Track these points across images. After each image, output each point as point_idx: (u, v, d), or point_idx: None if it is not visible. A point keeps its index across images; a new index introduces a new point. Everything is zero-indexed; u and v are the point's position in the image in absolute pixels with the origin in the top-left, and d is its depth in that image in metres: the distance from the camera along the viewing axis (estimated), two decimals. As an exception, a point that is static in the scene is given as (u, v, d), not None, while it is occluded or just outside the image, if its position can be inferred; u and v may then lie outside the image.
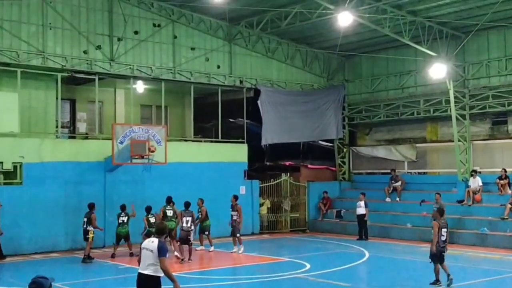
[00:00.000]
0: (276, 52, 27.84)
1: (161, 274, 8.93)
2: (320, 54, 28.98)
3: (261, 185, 27.06)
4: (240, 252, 20.27)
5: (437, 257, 14.15)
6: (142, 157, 21.39)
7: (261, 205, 27.00)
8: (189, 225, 18.66)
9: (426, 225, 23.32)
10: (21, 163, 20.74)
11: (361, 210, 24.19)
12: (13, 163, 20.57)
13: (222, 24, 26.16)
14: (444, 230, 14.26)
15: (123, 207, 19.81)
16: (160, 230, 9.48)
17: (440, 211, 14.92)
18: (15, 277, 15.91)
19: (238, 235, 20.51)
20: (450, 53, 23.93)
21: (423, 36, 23.23)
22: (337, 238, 24.53)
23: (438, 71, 23.13)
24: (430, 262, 14.24)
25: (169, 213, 19.66)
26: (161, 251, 8.91)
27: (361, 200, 24.32)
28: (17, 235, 20.25)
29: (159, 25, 24.56)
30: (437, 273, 14.10)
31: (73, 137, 24.27)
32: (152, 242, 9.09)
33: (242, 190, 25.82)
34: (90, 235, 18.46)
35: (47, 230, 20.87)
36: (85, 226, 18.68)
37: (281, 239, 25.27)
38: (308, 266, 17.54)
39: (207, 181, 24.55)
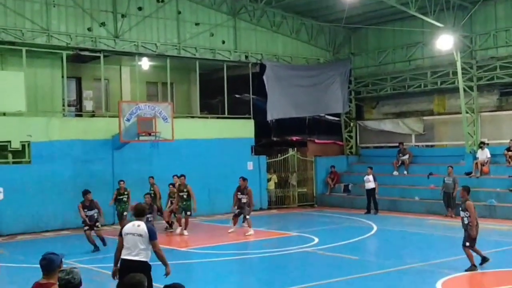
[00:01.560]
0: (281, 26, 27.63)
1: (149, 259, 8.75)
2: (326, 27, 28.74)
3: (268, 161, 27.08)
4: (248, 234, 19.07)
5: (475, 240, 12.92)
6: (149, 134, 21.43)
7: (269, 180, 27.05)
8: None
9: (433, 198, 23.42)
10: (29, 142, 20.81)
11: (370, 184, 24.07)
12: (21, 142, 20.63)
13: (226, -2, 25.96)
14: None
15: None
16: (140, 212, 9.16)
17: (468, 189, 13.45)
18: (26, 254, 16.06)
19: (248, 217, 19.28)
20: (457, 24, 23.67)
21: (430, 7, 22.93)
22: (345, 212, 24.60)
23: (445, 42, 22.94)
24: (468, 247, 12.87)
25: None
26: (153, 234, 8.74)
27: (369, 174, 24.23)
28: (27, 213, 20.40)
29: (162, 1, 24.34)
30: (471, 257, 12.90)
31: (80, 115, 24.30)
32: (138, 226, 8.78)
33: (250, 165, 25.86)
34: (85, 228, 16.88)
35: (57, 208, 20.99)
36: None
37: (289, 214, 25.36)
38: (316, 240, 17.61)
39: (214, 157, 24.57)
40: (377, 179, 24.36)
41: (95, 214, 16.66)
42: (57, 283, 6.08)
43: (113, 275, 9.05)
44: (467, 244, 12.95)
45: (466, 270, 12.94)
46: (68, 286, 5.70)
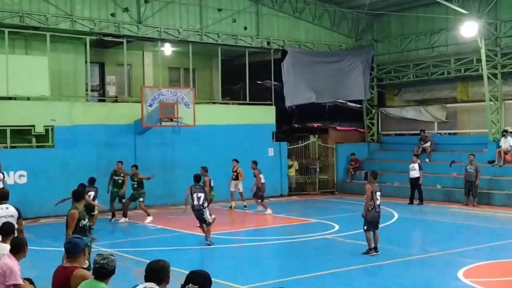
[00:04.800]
0: (303, 12, 27.46)
1: None
2: (348, 13, 28.50)
3: (289, 147, 27.08)
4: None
5: (373, 224, 13.42)
6: (171, 120, 21.56)
7: (289, 167, 27.05)
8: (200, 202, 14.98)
9: (455, 186, 23.26)
10: (53, 126, 21.05)
11: (414, 173, 22.96)
12: (44, 126, 20.89)
13: (249, -16, 25.85)
14: (378, 193, 13.45)
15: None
16: (5, 195, 9.67)
17: (374, 174, 13.81)
18: (49, 237, 16.30)
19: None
20: (482, 10, 23.34)
21: (455, -6, 22.68)
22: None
23: (469, 29, 22.63)
24: (365, 230, 13.47)
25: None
26: (20, 213, 9.51)
27: (414, 163, 23.10)
28: (50, 197, 20.61)
29: (185, -13, 24.36)
30: (369, 241, 13.43)
31: (103, 100, 24.51)
32: (7, 209, 9.41)
33: (271, 152, 25.89)
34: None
35: (79, 192, 21.22)
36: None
37: (310, 200, 25.37)
38: (336, 227, 17.63)
39: (235, 143, 24.61)
40: (398, 167, 24.00)
41: None
42: (82, 266, 6.18)
43: None
44: (365, 227, 13.50)
45: (363, 253, 13.44)
46: (101, 271, 5.75)
